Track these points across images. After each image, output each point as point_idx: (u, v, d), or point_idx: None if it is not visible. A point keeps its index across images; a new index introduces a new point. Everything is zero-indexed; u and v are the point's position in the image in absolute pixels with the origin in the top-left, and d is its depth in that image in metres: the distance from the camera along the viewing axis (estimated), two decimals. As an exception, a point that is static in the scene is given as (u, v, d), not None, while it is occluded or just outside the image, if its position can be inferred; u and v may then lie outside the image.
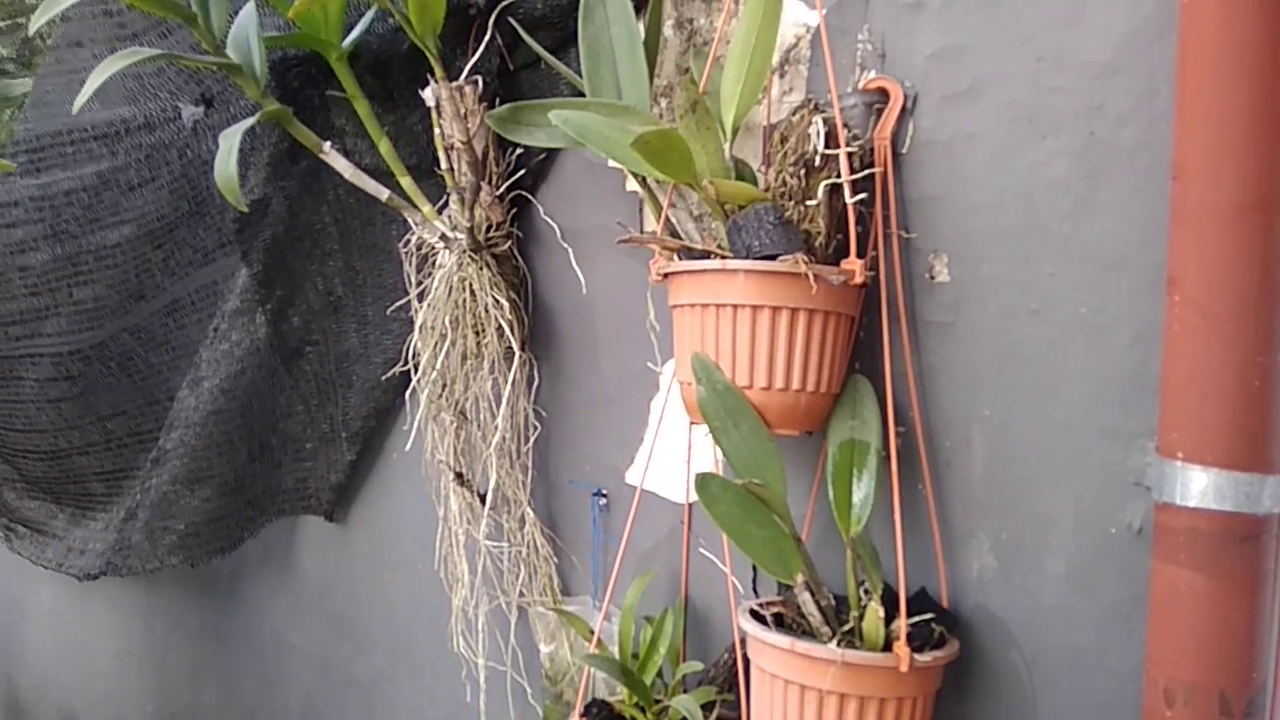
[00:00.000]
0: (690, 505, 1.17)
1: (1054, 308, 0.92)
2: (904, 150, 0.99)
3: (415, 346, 1.26)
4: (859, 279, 0.91)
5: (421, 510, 1.39)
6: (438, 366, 1.23)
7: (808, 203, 0.92)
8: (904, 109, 0.98)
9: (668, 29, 1.15)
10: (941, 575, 0.98)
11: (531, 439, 1.30)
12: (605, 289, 1.25)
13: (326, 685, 1.72)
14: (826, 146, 0.92)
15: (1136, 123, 0.87)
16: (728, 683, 1.08)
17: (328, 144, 1.20)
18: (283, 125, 1.19)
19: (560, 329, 1.31)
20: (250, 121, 1.10)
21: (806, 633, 0.91)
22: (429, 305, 1.23)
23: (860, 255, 0.93)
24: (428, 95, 1.19)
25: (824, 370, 0.93)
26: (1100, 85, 0.88)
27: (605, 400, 1.27)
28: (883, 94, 0.99)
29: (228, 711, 1.93)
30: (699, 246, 1.00)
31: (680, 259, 0.99)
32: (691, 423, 1.05)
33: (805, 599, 0.89)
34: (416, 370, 1.26)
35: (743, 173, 1.01)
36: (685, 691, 1.07)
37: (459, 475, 1.28)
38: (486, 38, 1.20)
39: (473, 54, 1.21)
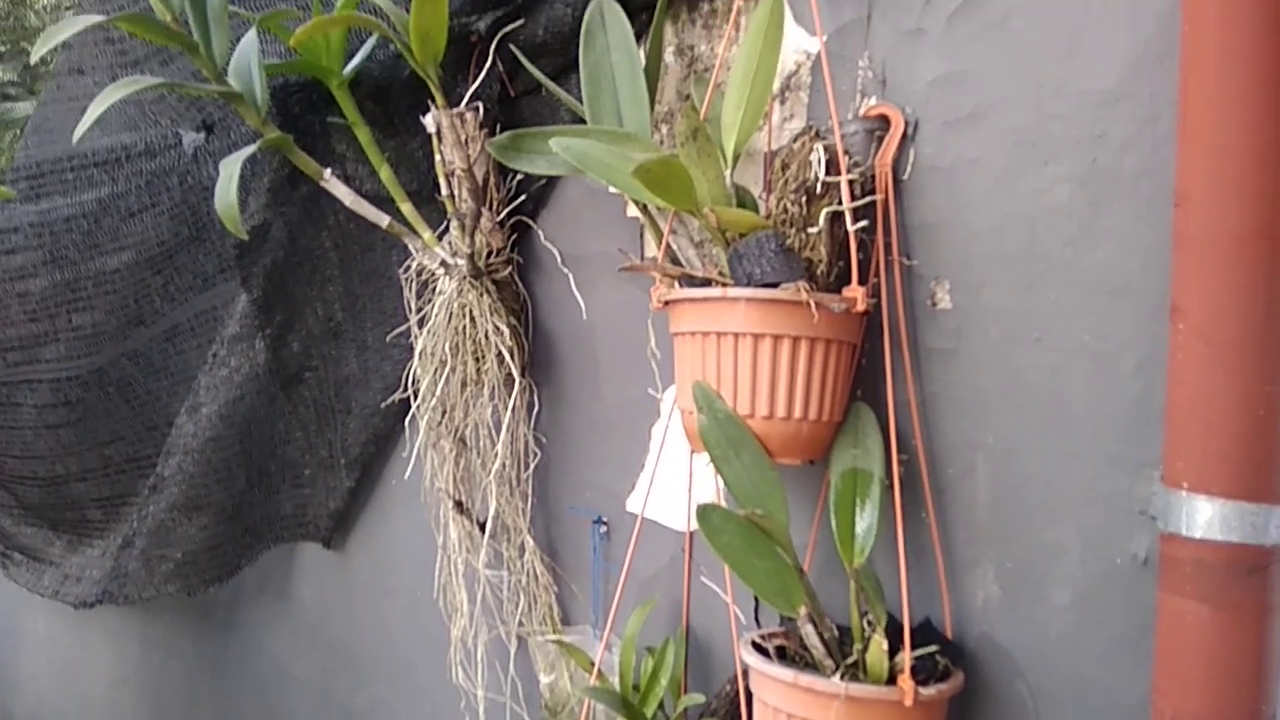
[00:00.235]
0: (691, 533, 1.16)
1: (1057, 335, 0.92)
2: (905, 176, 0.99)
3: (415, 373, 1.26)
4: (861, 307, 0.91)
5: (420, 538, 1.38)
6: (437, 393, 1.23)
7: (809, 230, 0.92)
8: (905, 135, 0.98)
9: (668, 55, 1.16)
10: (945, 605, 0.97)
11: (532, 465, 1.30)
12: (606, 314, 1.25)
13: (325, 715, 1.70)
14: (828, 174, 0.92)
15: (1139, 149, 0.86)
16: (730, 715, 1.07)
17: (328, 171, 1.20)
18: (283, 153, 1.19)
19: (561, 354, 1.30)
20: (251, 149, 1.10)
21: (810, 665, 0.90)
22: (429, 332, 1.22)
23: (862, 282, 0.93)
24: (428, 121, 1.19)
25: (826, 399, 0.92)
26: (1102, 112, 0.88)
27: (606, 426, 1.26)
28: (884, 120, 0.99)
29: (224, 740, 1.91)
30: (700, 274, 0.99)
31: (681, 286, 0.99)
32: (693, 451, 1.04)
33: (808, 631, 0.88)
34: (416, 397, 1.26)
35: (744, 200, 1.01)
36: (687, 723, 1.06)
37: (458, 503, 1.27)
38: (487, 64, 1.20)
39: (474, 80, 1.21)
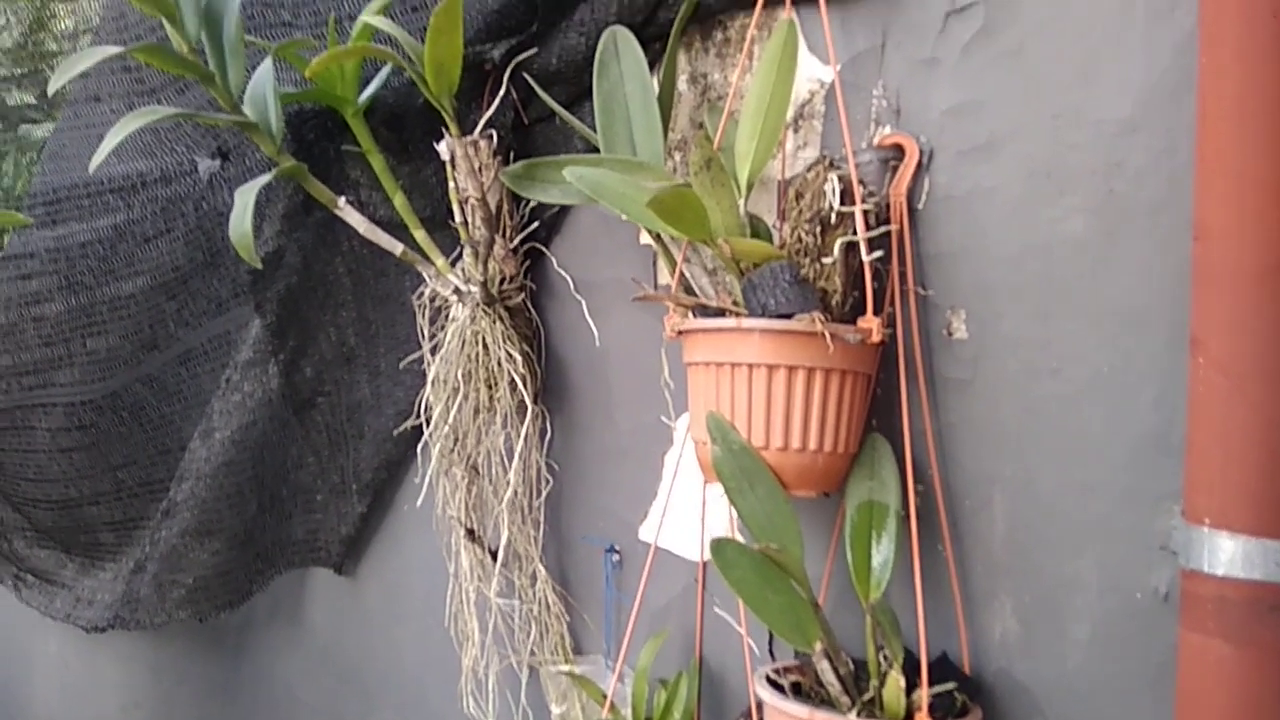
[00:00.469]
0: (705, 563, 1.15)
1: (1075, 366, 0.91)
2: (920, 206, 0.98)
3: (427, 400, 1.25)
4: (876, 338, 0.90)
5: (432, 565, 1.38)
6: (450, 421, 1.22)
7: (824, 260, 0.92)
8: (920, 164, 0.98)
9: (682, 83, 1.16)
10: (963, 639, 0.96)
11: (544, 493, 1.29)
12: (619, 341, 1.24)
13: (334, 741, 1.69)
14: (842, 203, 0.92)
15: (1156, 180, 0.86)
16: (743, 748, 1.05)
17: (342, 199, 1.21)
18: (298, 181, 1.20)
19: (573, 381, 1.30)
20: (266, 178, 1.10)
21: (825, 702, 0.89)
22: (442, 359, 1.22)
23: (877, 313, 0.92)
24: (443, 149, 1.19)
25: (841, 430, 0.92)
26: (1119, 142, 0.87)
27: (619, 454, 1.25)
28: (898, 150, 0.99)
29: (234, 766, 1.90)
30: (714, 303, 0.99)
31: (695, 316, 0.98)
32: (706, 482, 1.03)
33: (824, 667, 0.87)
34: (428, 424, 1.26)
35: (758, 229, 1.01)
36: (700, 756, 1.05)
37: (470, 531, 1.26)
38: (501, 92, 1.20)
39: (487, 108, 1.21)
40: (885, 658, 0.90)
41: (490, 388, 1.23)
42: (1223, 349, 0.75)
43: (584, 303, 1.26)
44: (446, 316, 1.25)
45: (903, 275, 0.97)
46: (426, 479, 1.29)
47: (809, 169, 0.96)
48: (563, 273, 1.28)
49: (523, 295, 1.27)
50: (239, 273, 1.47)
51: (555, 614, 1.26)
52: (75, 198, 1.47)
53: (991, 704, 0.94)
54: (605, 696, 1.12)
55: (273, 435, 1.52)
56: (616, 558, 1.25)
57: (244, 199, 1.05)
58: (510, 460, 1.24)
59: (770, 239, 1.01)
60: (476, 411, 1.24)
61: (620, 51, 1.08)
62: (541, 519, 1.29)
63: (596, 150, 1.10)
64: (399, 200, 1.25)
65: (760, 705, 0.94)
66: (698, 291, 1.06)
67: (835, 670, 0.87)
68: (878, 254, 0.92)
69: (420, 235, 1.24)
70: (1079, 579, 0.91)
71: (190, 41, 1.09)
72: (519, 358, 1.22)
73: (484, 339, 1.22)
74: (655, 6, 1.09)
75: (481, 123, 1.20)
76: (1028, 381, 0.93)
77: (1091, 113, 0.89)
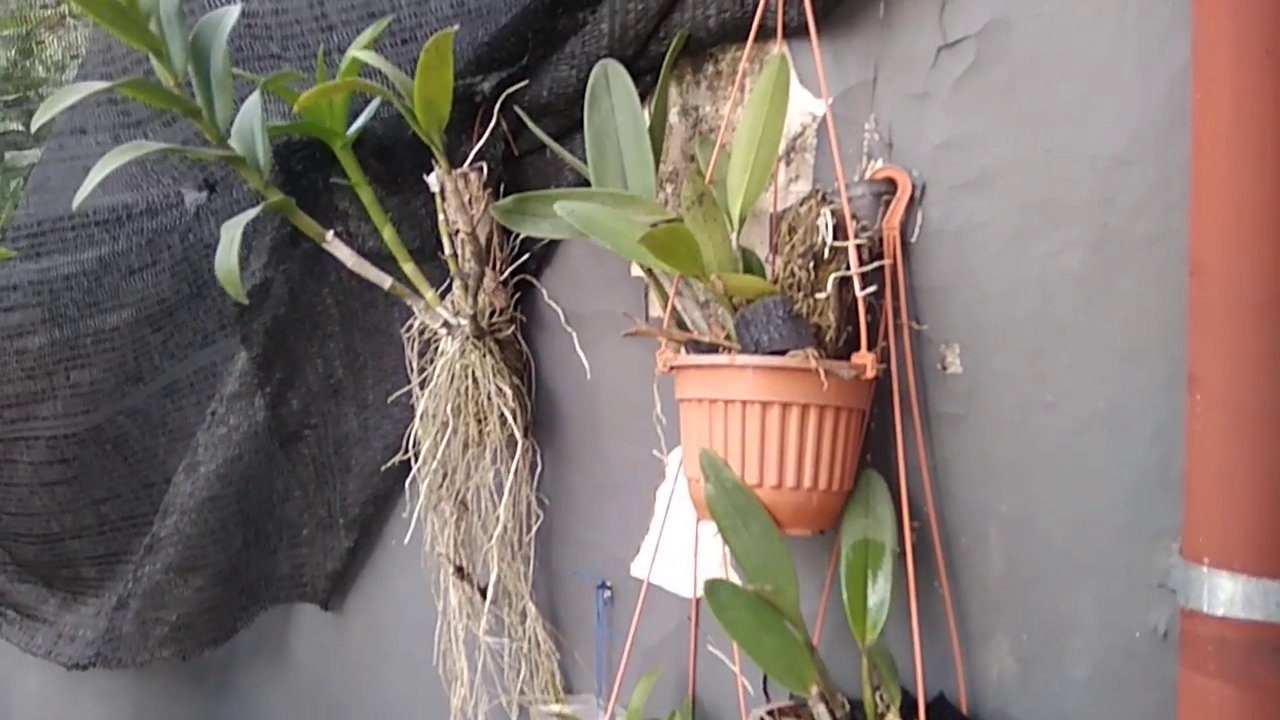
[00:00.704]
0: (698, 600, 1.13)
1: (1071, 401, 0.90)
2: (913, 240, 0.98)
3: (416, 434, 1.24)
4: (871, 373, 0.89)
5: (420, 601, 1.36)
6: (439, 456, 1.21)
7: (817, 295, 0.91)
8: (912, 199, 0.97)
9: (673, 116, 1.15)
10: (960, 678, 0.94)
11: (534, 528, 1.27)
12: (610, 374, 1.23)
13: (320, 780, 1.66)
14: (835, 238, 0.91)
15: (1151, 214, 0.85)
16: (738, 790, 1.04)
17: (330, 233, 1.19)
18: (285, 216, 1.19)
19: (564, 414, 1.29)
20: (253, 213, 1.09)
21: (822, 744, 0.87)
22: (431, 393, 1.20)
23: (871, 348, 0.91)
24: (432, 182, 1.18)
25: (836, 467, 0.91)
26: (1112, 177, 0.87)
27: (610, 488, 1.24)
28: (891, 184, 0.98)
29: (217, 805, 1.87)
30: (706, 339, 0.98)
31: (688, 352, 0.97)
32: (699, 520, 1.02)
33: (820, 711, 0.85)
34: (417, 459, 1.24)
35: (750, 263, 1.00)
36: (694, 799, 1.03)
37: (459, 569, 1.25)
38: (491, 124, 1.20)
39: (477, 140, 1.21)
40: (882, 699, 0.89)
41: (480, 422, 1.21)
42: (1221, 386, 0.75)
43: (575, 335, 1.25)
44: (436, 350, 1.23)
45: (896, 310, 0.97)
46: (415, 514, 1.27)
47: (801, 203, 0.96)
48: (553, 305, 1.27)
49: (513, 328, 1.26)
50: (225, 305, 1.46)
51: (545, 652, 1.24)
52: (60, 230, 1.45)
53: (990, 745, 0.92)
54: (597, 737, 1.11)
55: (258, 469, 1.49)
56: (608, 594, 1.23)
57: (230, 233, 1.04)
58: (500, 495, 1.22)
59: (763, 273, 1.00)
60: (466, 446, 1.22)
61: (611, 84, 1.07)
62: (532, 555, 1.27)
63: (587, 182, 1.09)
64: (388, 233, 1.24)
65: (755, 748, 0.93)
66: (690, 325, 1.05)
67: (832, 713, 0.86)
68: (871, 289, 0.91)
69: (409, 268, 1.23)
70: (1077, 617, 0.90)
71: (177, 76, 1.08)
72: (509, 391, 1.21)
73: (474, 372, 1.20)
74: (646, 40, 1.09)
75: (471, 155, 1.19)
76: (1023, 416, 0.92)
77: (1085, 147, 0.88)
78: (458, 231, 1.16)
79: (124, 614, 1.60)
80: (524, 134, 1.21)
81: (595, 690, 1.25)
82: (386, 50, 1.23)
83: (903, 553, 0.91)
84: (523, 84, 1.17)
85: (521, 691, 1.24)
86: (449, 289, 1.23)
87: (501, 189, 1.21)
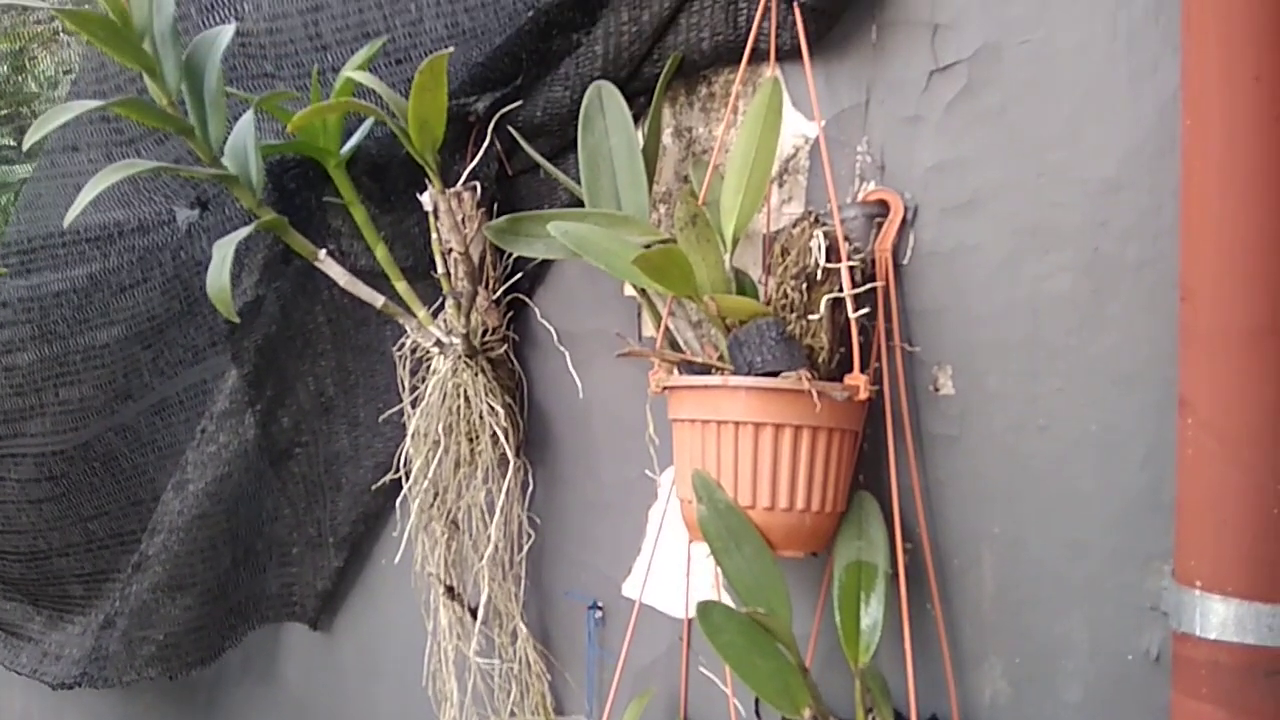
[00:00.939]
0: (690, 620, 1.13)
1: (1063, 423, 0.90)
2: (905, 262, 0.98)
3: (407, 453, 1.23)
4: (863, 395, 0.89)
5: (410, 621, 1.35)
6: (430, 475, 1.20)
7: (810, 317, 0.91)
8: (905, 221, 0.98)
9: (666, 137, 1.16)
10: (953, 701, 0.94)
11: (525, 548, 1.27)
12: (602, 393, 1.23)
13: (307, 801, 1.64)
14: (828, 260, 0.91)
15: (1141, 238, 0.86)
16: (730, 813, 1.03)
17: (323, 251, 1.19)
18: (278, 234, 1.19)
19: (556, 434, 1.28)
20: (245, 231, 1.09)
21: (814, 767, 0.87)
22: (422, 412, 1.20)
23: (864, 370, 0.91)
24: (425, 200, 1.18)
25: (829, 489, 0.91)
26: (1103, 201, 0.88)
27: (602, 508, 1.24)
28: (883, 206, 0.99)
29: (203, 827, 1.85)
30: (699, 359, 0.98)
31: (681, 373, 0.97)
32: (692, 541, 1.02)
33: (813, 734, 0.85)
34: (408, 478, 1.23)
35: (743, 283, 1.00)
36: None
37: (449, 589, 1.24)
38: (485, 144, 1.20)
39: (471, 160, 1.21)
40: (875, 722, 0.88)
41: (472, 441, 1.21)
42: (1213, 411, 0.75)
43: (568, 354, 1.25)
44: (428, 368, 1.23)
45: (889, 331, 0.97)
46: (405, 533, 1.26)
47: (794, 225, 0.96)
48: (546, 324, 1.27)
49: (505, 347, 1.26)
50: (216, 322, 1.45)
51: (536, 673, 1.23)
52: (50, 247, 1.45)
53: (983, 769, 0.92)
54: (588, 759, 1.10)
55: (248, 487, 1.49)
56: (599, 615, 1.22)
57: (222, 252, 1.04)
58: (491, 515, 1.21)
59: (756, 294, 1.00)
60: (457, 465, 1.22)
61: (605, 106, 1.08)
62: (523, 575, 1.27)
63: (580, 202, 1.09)
64: (380, 251, 1.24)
65: (748, 771, 0.92)
66: (682, 345, 1.05)
67: (825, 736, 0.85)
68: (864, 311, 0.91)
69: (402, 286, 1.23)
70: (1069, 640, 0.90)
71: (170, 95, 1.08)
72: (501, 410, 1.20)
73: (466, 391, 1.20)
74: (640, 61, 1.09)
75: (465, 174, 1.19)
76: (1015, 438, 0.93)
77: (1076, 172, 0.89)
78: (451, 250, 1.16)
79: (111, 633, 1.59)
80: (517, 154, 1.21)
81: (586, 711, 1.24)
82: (380, 70, 1.23)
83: (895, 574, 0.91)
84: (516, 104, 1.17)
85: (512, 713, 1.23)
86: (441, 308, 1.23)
87: (495, 208, 1.21)
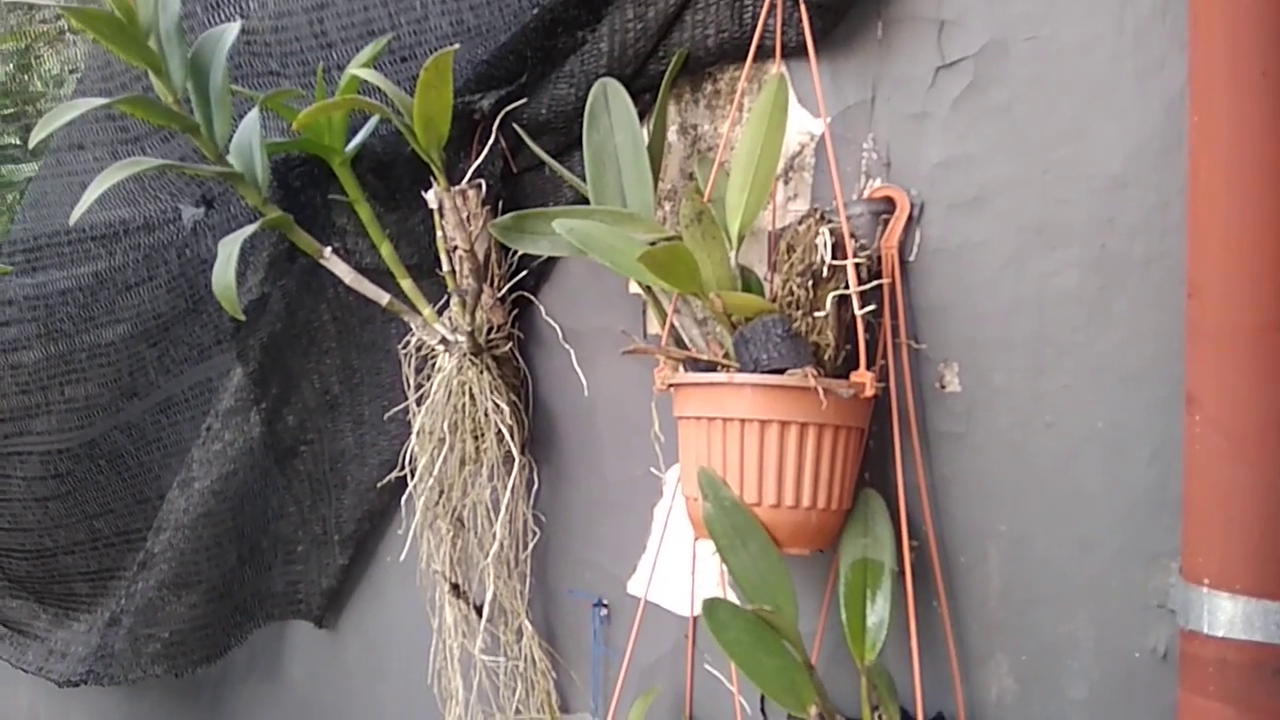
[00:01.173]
0: (695, 618, 1.13)
1: (1069, 420, 0.90)
2: (911, 258, 0.98)
3: (412, 451, 1.23)
4: (870, 392, 0.89)
5: (415, 619, 1.35)
6: (435, 472, 1.20)
7: (816, 314, 0.91)
8: (911, 218, 0.98)
9: (672, 134, 1.15)
10: (959, 698, 0.94)
11: (530, 546, 1.27)
12: (607, 391, 1.23)
13: (313, 799, 1.65)
14: (834, 257, 0.91)
15: (1148, 235, 0.86)
16: (735, 811, 1.03)
17: (328, 249, 1.19)
18: (283, 232, 1.19)
19: (561, 431, 1.28)
20: (251, 229, 1.09)
21: (820, 765, 0.87)
22: (427, 409, 1.20)
23: (870, 367, 0.91)
24: (430, 198, 1.18)
25: (835, 486, 0.90)
26: (1110, 198, 0.87)
27: (607, 506, 1.24)
28: (889, 202, 0.99)
29: (209, 824, 1.85)
30: (705, 356, 0.98)
31: (686, 370, 0.97)
32: (697, 538, 1.01)
33: (819, 731, 0.85)
34: (413, 475, 1.23)
35: (748, 281, 1.00)
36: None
37: (455, 586, 1.24)
38: (490, 141, 1.20)
39: (476, 157, 1.21)
40: (881, 719, 0.88)
41: (477, 439, 1.21)
42: (1220, 408, 0.75)
43: (573, 352, 1.25)
44: (433, 366, 1.23)
45: (895, 328, 0.97)
46: (410, 531, 1.26)
47: (800, 222, 0.96)
48: (551, 322, 1.27)
49: (510, 344, 1.26)
50: (221, 320, 1.45)
51: (541, 671, 1.23)
52: (56, 245, 1.45)
53: (989, 767, 0.92)
54: (593, 757, 1.10)
55: (253, 485, 1.49)
56: (605, 612, 1.22)
57: (227, 250, 1.04)
58: (496, 512, 1.21)
59: (761, 291, 1.00)
60: (463, 463, 1.22)
61: (610, 103, 1.07)
62: (528, 572, 1.27)
63: (585, 200, 1.09)
64: (386, 249, 1.24)
65: (754, 769, 0.92)
66: (688, 342, 1.05)
67: (831, 734, 0.85)
68: (870, 308, 0.91)
69: (407, 284, 1.23)
70: (1076, 637, 0.90)
71: (176, 92, 1.08)
72: (506, 408, 1.20)
73: (471, 389, 1.20)
74: (645, 59, 1.09)
75: (470, 172, 1.19)
76: (1022, 436, 0.93)
77: (1082, 168, 0.89)
78: (456, 248, 1.16)
79: (116, 630, 1.59)
80: (522, 151, 1.21)
81: (591, 709, 1.24)
82: (386, 68, 1.23)
83: (901, 572, 0.91)
84: (521, 102, 1.17)
85: (517, 711, 1.23)
86: (447, 305, 1.23)
87: (500, 206, 1.21)
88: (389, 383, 1.38)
